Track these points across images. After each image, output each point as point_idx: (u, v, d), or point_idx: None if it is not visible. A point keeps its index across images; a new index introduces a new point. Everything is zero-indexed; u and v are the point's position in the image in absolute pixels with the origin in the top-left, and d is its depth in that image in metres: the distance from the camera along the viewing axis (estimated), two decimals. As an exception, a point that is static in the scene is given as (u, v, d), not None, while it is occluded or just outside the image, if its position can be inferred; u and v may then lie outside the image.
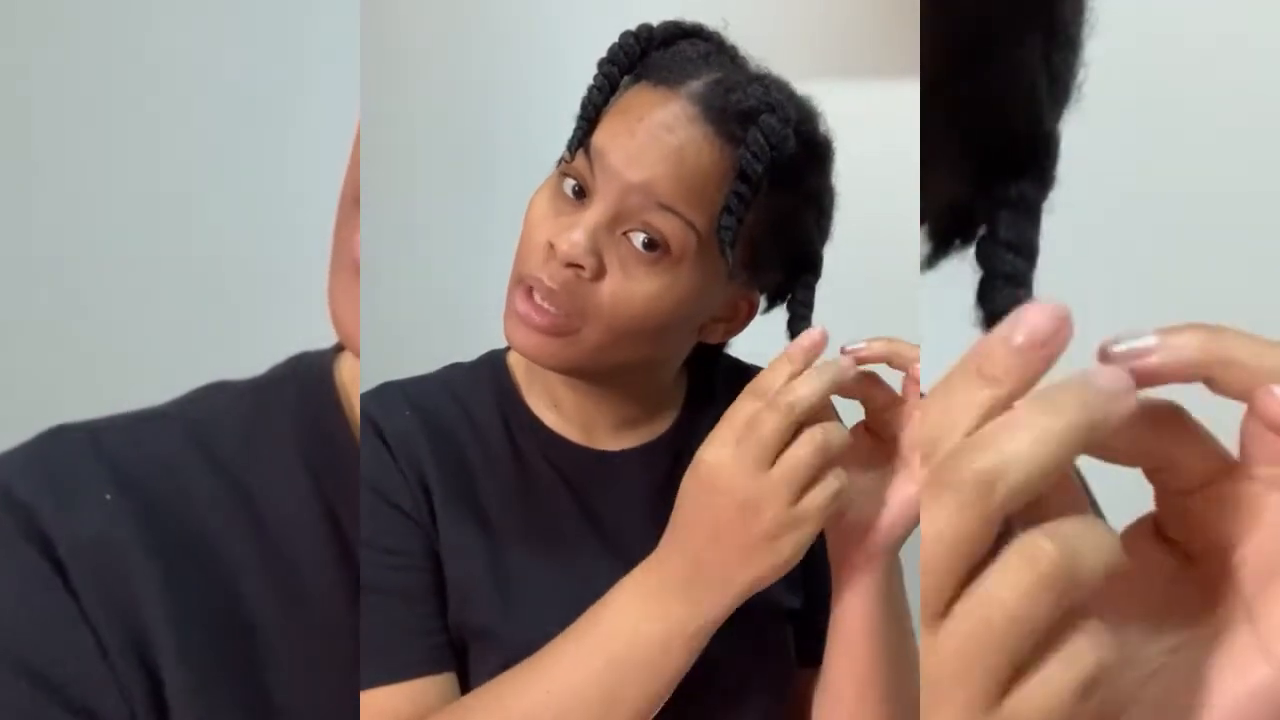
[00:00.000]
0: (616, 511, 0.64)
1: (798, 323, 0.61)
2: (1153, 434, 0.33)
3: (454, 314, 1.16)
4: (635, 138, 0.56)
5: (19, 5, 1.10)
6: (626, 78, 0.60)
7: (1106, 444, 0.33)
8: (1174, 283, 1.08)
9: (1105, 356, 0.32)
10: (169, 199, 1.12)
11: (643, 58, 0.60)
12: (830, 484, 0.50)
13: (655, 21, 0.61)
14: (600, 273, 0.56)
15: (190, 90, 1.12)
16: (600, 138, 0.57)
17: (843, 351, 0.55)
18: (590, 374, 0.63)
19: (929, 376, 0.54)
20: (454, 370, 0.69)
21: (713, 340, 0.65)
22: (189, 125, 1.12)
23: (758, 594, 0.65)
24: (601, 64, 0.60)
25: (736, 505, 0.49)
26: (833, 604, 0.57)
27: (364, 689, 0.55)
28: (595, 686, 0.51)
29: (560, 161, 0.60)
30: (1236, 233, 1.07)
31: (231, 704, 0.45)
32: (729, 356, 0.72)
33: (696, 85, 0.57)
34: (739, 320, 0.64)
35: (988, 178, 0.39)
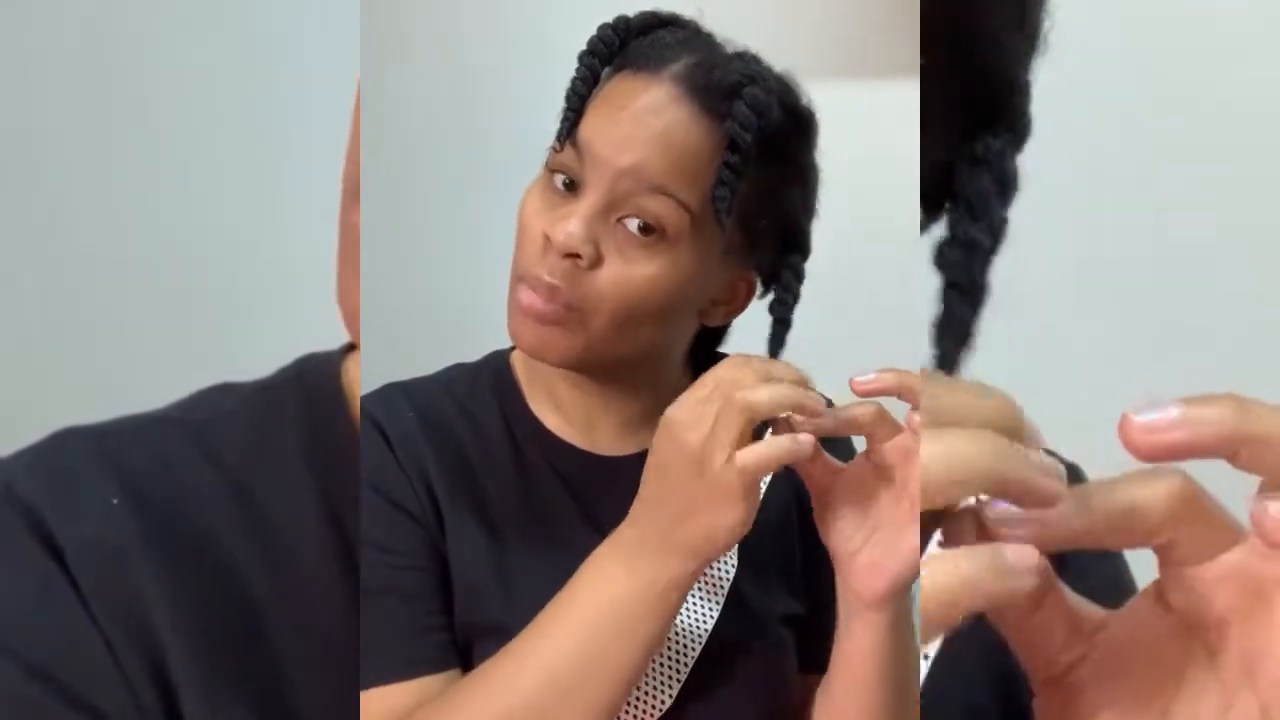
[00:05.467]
0: (618, 516, 0.64)
1: (780, 307, 0.62)
2: (1158, 513, 0.31)
3: (455, 314, 1.16)
4: (621, 125, 0.57)
5: (20, 6, 1.10)
6: (607, 69, 0.61)
7: (1101, 535, 0.31)
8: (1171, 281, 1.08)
9: (1125, 428, 0.30)
10: (171, 200, 1.12)
11: (622, 48, 0.61)
12: (776, 444, 0.50)
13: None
14: (598, 260, 0.57)
15: (190, 90, 1.12)
16: (586, 129, 0.58)
17: (851, 383, 0.53)
18: (595, 368, 0.63)
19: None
20: (456, 371, 0.69)
21: (714, 323, 0.65)
22: (189, 125, 1.12)
23: (760, 598, 0.66)
24: (582, 56, 0.61)
25: (687, 459, 0.50)
26: (840, 628, 0.56)
27: (368, 687, 0.56)
28: (575, 653, 0.51)
29: (549, 154, 0.60)
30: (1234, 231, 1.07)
31: (243, 699, 0.46)
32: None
33: (677, 67, 0.58)
34: (738, 302, 0.65)
35: (965, 133, 0.38)
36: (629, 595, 0.52)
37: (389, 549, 0.59)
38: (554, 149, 0.60)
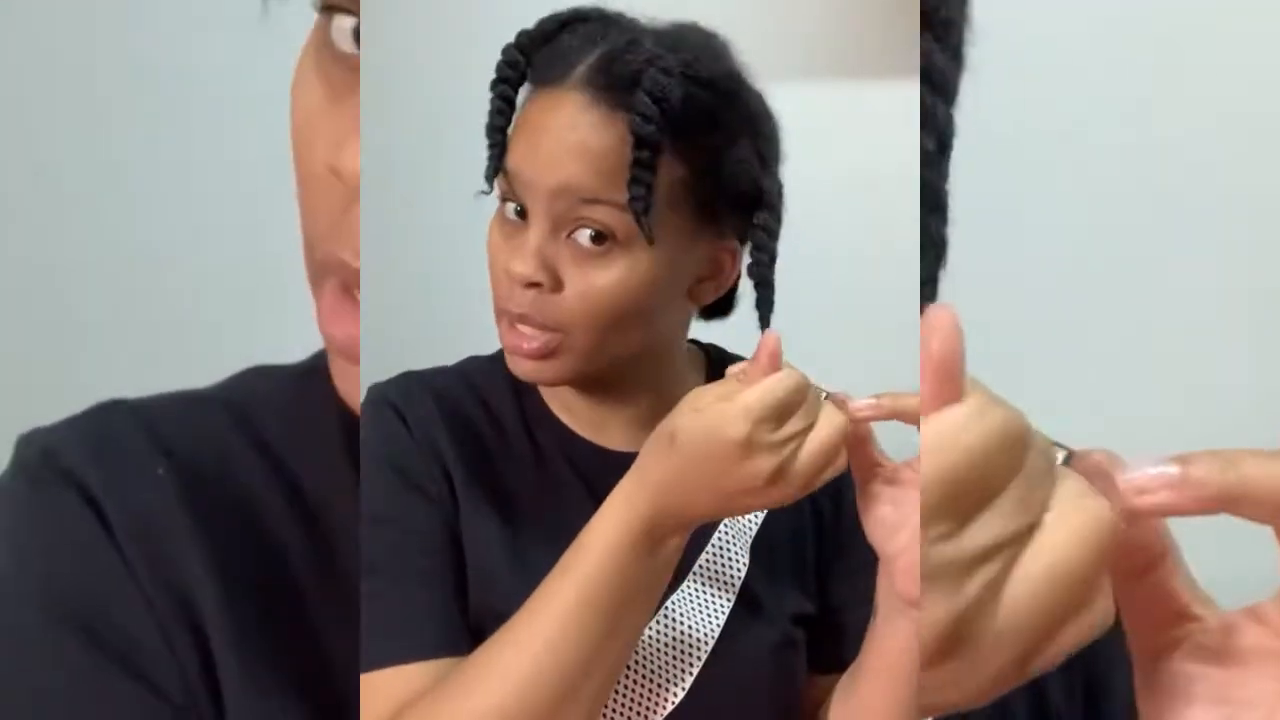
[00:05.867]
0: None
1: (757, 268, 0.62)
2: None
3: (456, 314, 1.16)
4: (541, 146, 0.58)
5: (19, 6, 1.10)
6: (523, 89, 0.61)
7: (1251, 501, 0.31)
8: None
9: None
10: (171, 200, 1.12)
11: (531, 63, 0.61)
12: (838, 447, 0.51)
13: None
14: (558, 283, 0.58)
15: (190, 90, 1.12)
16: (512, 158, 0.59)
17: None
18: (594, 378, 0.63)
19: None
20: (474, 363, 0.70)
21: (707, 301, 0.65)
22: (188, 124, 1.12)
23: (771, 598, 0.66)
24: (493, 85, 0.61)
25: (751, 476, 0.50)
26: (881, 625, 0.55)
27: (383, 666, 0.55)
28: (574, 634, 0.51)
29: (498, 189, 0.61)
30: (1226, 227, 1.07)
31: (279, 670, 0.46)
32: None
33: (581, 71, 0.58)
34: (726, 274, 0.64)
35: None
36: (632, 584, 0.52)
37: (406, 529, 0.60)
38: (486, 190, 0.60)
